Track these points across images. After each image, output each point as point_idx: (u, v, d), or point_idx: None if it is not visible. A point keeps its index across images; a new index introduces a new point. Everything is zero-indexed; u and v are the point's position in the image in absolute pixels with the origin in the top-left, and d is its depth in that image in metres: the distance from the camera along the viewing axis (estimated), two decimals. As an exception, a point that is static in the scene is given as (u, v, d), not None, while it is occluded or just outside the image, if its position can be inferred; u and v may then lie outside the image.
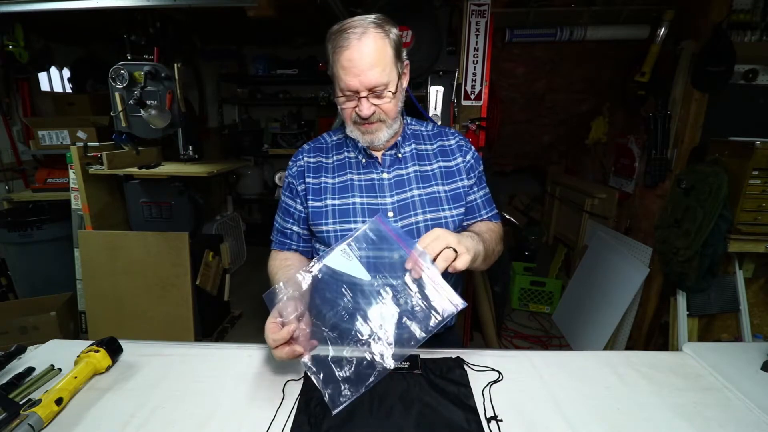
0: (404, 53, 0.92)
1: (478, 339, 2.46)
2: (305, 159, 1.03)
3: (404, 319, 0.73)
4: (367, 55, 0.82)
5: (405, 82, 0.94)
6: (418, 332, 0.72)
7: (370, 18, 0.85)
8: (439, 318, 0.71)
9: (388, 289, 0.76)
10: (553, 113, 2.90)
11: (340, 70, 0.85)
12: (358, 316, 0.75)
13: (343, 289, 0.78)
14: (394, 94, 0.89)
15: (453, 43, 1.97)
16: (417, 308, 0.73)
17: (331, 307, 0.77)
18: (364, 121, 0.90)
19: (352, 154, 1.01)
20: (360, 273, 0.78)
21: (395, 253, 0.76)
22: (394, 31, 0.88)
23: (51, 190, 2.55)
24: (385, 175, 0.98)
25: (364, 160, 1.00)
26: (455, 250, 0.74)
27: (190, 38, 3.30)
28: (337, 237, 0.95)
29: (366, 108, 0.87)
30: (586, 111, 2.83)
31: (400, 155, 1.00)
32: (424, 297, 0.73)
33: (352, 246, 0.80)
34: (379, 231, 0.80)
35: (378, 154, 1.00)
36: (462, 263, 0.74)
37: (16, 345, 0.88)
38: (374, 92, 0.86)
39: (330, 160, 1.02)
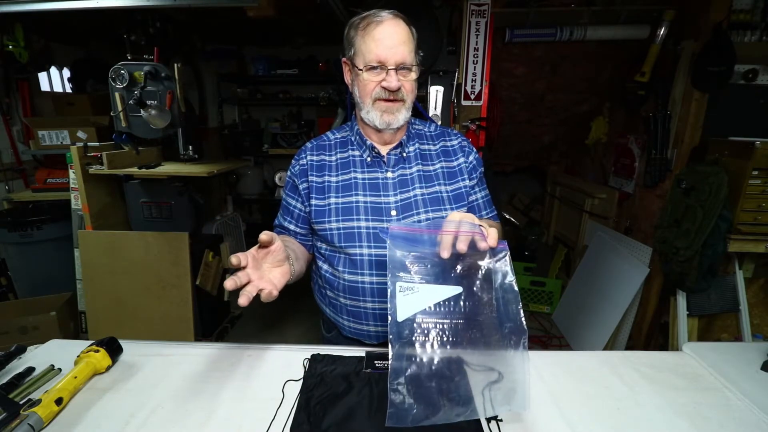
0: (419, 54, 0.95)
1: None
2: (308, 157, 1.02)
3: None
4: (400, 33, 0.89)
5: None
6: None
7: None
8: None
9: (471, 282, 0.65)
10: (553, 113, 2.90)
11: (371, 42, 0.88)
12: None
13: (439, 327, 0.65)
14: (415, 78, 0.93)
15: (453, 43, 1.97)
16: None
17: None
18: (388, 96, 0.91)
19: (357, 153, 1.01)
20: (441, 292, 0.65)
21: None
22: (414, 31, 0.93)
23: (51, 190, 2.56)
24: (389, 174, 0.99)
25: (369, 159, 1.00)
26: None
27: (190, 38, 3.30)
28: (340, 235, 0.95)
29: (394, 80, 0.88)
30: (586, 111, 2.83)
31: (404, 154, 1.00)
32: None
33: (400, 276, 0.65)
34: (402, 238, 0.68)
35: (384, 151, 1.00)
36: (494, 234, 0.69)
37: (16, 345, 0.88)
38: (402, 68, 0.89)
39: (333, 158, 1.02)
